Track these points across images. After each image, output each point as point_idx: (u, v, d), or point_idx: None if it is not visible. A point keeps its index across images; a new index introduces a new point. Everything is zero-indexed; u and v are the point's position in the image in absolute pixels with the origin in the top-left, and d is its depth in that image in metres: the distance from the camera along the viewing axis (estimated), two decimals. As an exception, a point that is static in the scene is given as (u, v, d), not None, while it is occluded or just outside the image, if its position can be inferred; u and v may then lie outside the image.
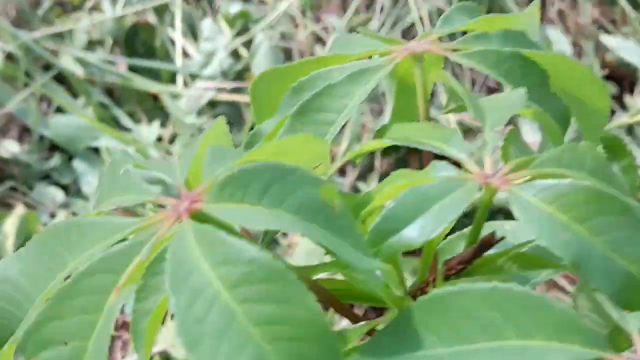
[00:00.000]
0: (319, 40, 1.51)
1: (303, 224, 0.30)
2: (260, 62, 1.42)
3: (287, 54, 1.48)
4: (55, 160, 1.47)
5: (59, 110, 1.50)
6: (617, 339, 0.35)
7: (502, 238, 0.37)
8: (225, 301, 0.28)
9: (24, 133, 1.51)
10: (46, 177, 1.48)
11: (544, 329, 0.30)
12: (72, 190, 1.48)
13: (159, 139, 1.44)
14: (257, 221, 0.30)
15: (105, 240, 0.33)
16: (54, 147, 1.50)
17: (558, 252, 0.32)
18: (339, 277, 0.38)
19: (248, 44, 1.48)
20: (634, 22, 1.57)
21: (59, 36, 1.52)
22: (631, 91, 1.57)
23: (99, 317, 0.32)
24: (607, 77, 1.57)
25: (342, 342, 0.36)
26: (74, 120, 1.46)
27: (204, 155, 0.33)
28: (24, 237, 1.30)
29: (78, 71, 1.46)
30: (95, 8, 1.56)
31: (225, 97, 1.45)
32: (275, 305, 0.28)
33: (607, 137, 1.59)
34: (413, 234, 0.34)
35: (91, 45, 1.52)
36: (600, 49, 1.58)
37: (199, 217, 0.31)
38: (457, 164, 0.36)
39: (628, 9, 1.56)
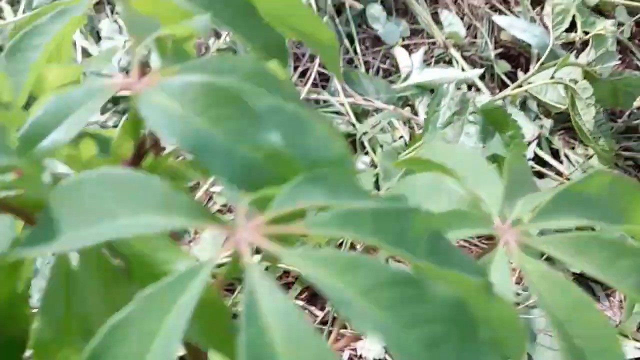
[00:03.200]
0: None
1: None
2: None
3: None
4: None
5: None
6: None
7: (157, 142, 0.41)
8: None
9: None
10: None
11: (149, 206, 0.34)
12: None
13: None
14: None
15: None
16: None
17: (179, 143, 0.36)
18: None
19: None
20: (524, 1, 1.62)
21: (-38, 42, 1.55)
22: (527, 68, 1.61)
23: None
24: (502, 55, 1.62)
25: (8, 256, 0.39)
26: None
27: None
28: None
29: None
30: (-3, 13, 1.60)
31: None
32: None
33: (491, 109, 1.64)
34: (60, 135, 0.37)
35: (-6, 49, 1.55)
36: (494, 28, 1.63)
37: None
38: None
39: (517, -12, 1.61)
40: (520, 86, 1.44)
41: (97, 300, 0.38)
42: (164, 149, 0.41)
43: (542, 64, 1.46)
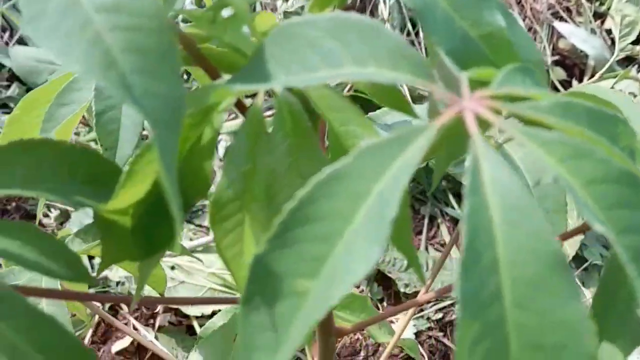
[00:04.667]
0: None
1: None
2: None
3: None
4: (13, 89, 1.49)
5: (21, 41, 1.52)
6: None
7: None
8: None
9: (-16, 60, 1.53)
10: (3, 106, 1.49)
11: (377, 57, 0.33)
12: (26, 121, 1.50)
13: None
14: None
15: None
16: (13, 77, 1.52)
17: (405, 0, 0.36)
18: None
19: None
20: (587, 12, 1.62)
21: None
22: (580, 79, 1.62)
23: None
24: (558, 63, 1.62)
25: (205, 96, 0.38)
26: (34, 51, 1.48)
27: None
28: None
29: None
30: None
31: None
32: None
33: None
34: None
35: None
36: (553, 35, 1.63)
37: None
38: None
39: (583, -1, 1.62)
40: (577, 93, 1.44)
41: (285, 163, 0.37)
42: None
43: (601, 75, 1.46)
